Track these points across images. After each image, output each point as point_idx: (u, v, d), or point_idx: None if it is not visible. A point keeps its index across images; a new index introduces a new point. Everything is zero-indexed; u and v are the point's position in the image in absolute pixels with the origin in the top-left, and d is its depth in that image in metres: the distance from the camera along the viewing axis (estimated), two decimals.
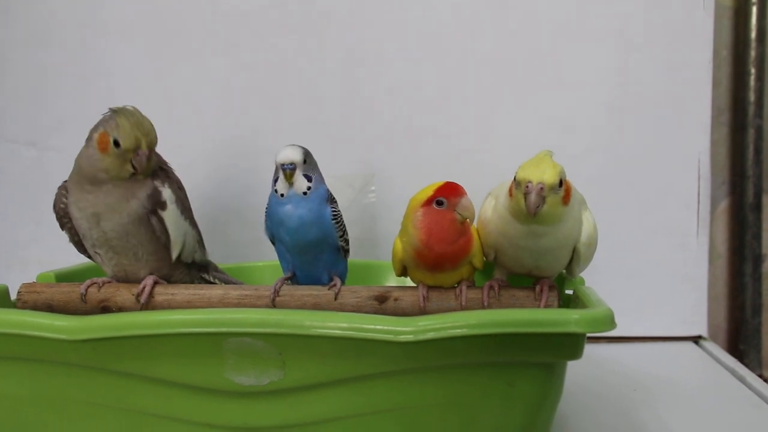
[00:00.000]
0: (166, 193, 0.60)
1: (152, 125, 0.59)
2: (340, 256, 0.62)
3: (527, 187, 0.53)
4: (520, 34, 0.86)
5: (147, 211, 0.59)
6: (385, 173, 0.86)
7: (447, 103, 0.87)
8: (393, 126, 0.87)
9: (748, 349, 0.92)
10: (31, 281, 0.63)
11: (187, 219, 0.62)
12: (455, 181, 0.56)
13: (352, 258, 0.69)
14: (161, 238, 0.60)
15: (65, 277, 0.66)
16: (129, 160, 0.57)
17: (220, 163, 0.87)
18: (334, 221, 0.60)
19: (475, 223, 0.60)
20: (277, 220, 0.59)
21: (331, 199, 0.61)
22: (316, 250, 0.60)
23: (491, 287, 0.58)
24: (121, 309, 0.59)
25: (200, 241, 0.65)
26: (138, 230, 0.59)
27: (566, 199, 0.55)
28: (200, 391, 0.51)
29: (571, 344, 0.49)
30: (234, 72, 0.87)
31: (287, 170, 0.58)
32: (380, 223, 0.85)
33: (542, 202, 0.53)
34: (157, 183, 0.59)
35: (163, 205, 0.59)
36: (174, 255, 0.61)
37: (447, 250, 0.56)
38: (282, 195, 0.59)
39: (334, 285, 0.59)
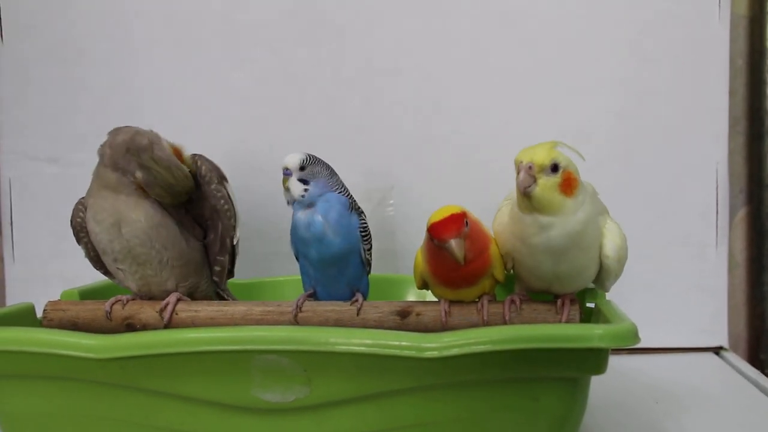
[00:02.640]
0: (206, 167, 0.63)
1: (149, 142, 0.59)
2: (364, 270, 0.63)
3: (519, 167, 0.53)
4: (536, 45, 0.86)
5: (214, 184, 0.61)
6: (403, 185, 0.86)
7: (463, 113, 0.87)
8: (410, 137, 0.87)
9: None
10: (56, 298, 0.64)
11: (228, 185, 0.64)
12: (459, 208, 0.55)
13: (372, 272, 0.70)
14: (218, 215, 0.62)
15: (89, 293, 0.67)
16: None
17: (239, 176, 0.87)
18: (361, 233, 0.61)
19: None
20: (296, 234, 0.60)
21: (357, 209, 0.62)
22: (341, 263, 0.60)
23: (512, 302, 0.58)
24: (145, 326, 0.59)
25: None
26: (160, 233, 0.59)
27: (566, 188, 0.54)
28: (227, 408, 0.51)
29: (595, 359, 0.50)
30: (252, 85, 0.88)
31: (285, 176, 0.60)
32: (399, 236, 0.85)
33: (532, 183, 0.53)
34: (193, 157, 0.63)
35: (223, 179, 0.63)
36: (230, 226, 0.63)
37: (452, 275, 0.56)
38: (288, 202, 0.61)
39: (356, 300, 0.60)
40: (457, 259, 0.53)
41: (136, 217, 0.58)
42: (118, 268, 0.61)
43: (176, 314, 0.59)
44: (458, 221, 0.54)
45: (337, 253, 0.60)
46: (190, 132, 0.87)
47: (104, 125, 0.62)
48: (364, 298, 0.61)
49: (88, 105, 0.88)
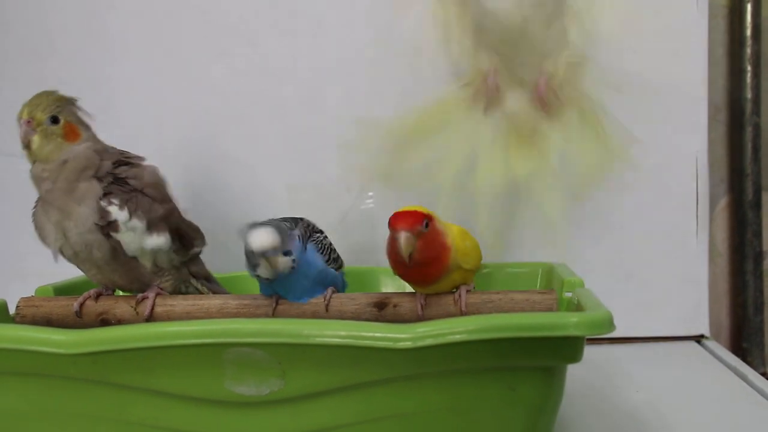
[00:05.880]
0: (116, 213, 0.57)
1: (46, 96, 0.58)
2: (330, 274, 0.61)
3: None
4: None
5: (102, 228, 0.57)
6: (383, 178, 0.86)
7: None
8: (390, 130, 0.86)
9: (750, 347, 0.91)
10: (30, 295, 0.64)
11: (154, 232, 0.59)
12: (426, 210, 0.55)
13: (353, 264, 0.69)
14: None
15: (64, 289, 0.66)
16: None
17: (218, 170, 0.87)
18: (321, 254, 0.59)
19: None
20: (268, 290, 0.59)
21: (309, 235, 0.59)
22: (310, 285, 0.59)
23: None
24: (120, 321, 0.59)
25: (181, 247, 0.63)
26: (100, 243, 0.57)
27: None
28: (201, 402, 0.51)
29: (570, 347, 0.49)
30: (230, 79, 0.87)
31: (270, 257, 0.54)
32: (379, 229, 0.85)
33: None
34: (104, 203, 0.57)
35: (114, 227, 0.57)
36: (147, 266, 0.60)
37: (405, 271, 0.56)
38: (268, 279, 0.56)
39: (326, 295, 0.59)
40: (401, 253, 0.53)
41: (72, 221, 0.57)
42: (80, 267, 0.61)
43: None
44: (417, 218, 0.54)
45: (305, 285, 0.58)
46: (167, 126, 0.87)
47: None
48: (339, 291, 0.61)
49: None
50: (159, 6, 0.87)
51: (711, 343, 0.85)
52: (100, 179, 0.58)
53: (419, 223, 0.53)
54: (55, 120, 0.58)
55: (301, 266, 0.57)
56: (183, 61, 0.87)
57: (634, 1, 0.85)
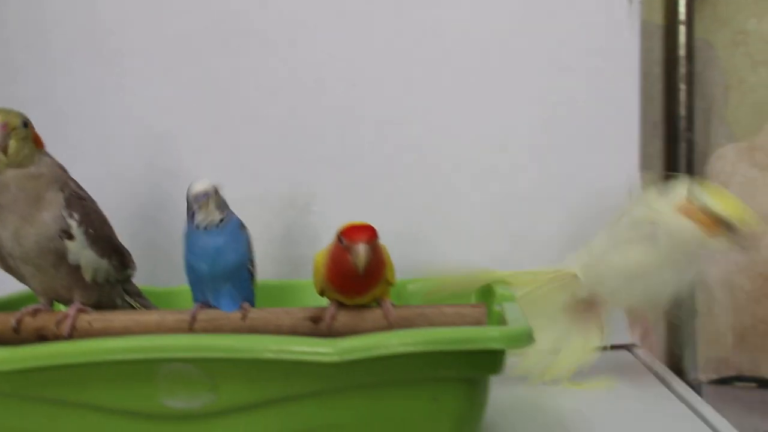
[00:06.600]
0: (73, 225, 0.60)
1: (14, 111, 0.60)
2: (251, 281, 0.64)
3: None
4: (453, 57, 0.88)
5: (58, 233, 0.60)
6: (326, 193, 0.88)
7: (386, 124, 0.88)
8: (333, 146, 0.88)
9: (683, 354, 0.95)
10: None
11: (97, 251, 0.62)
12: (368, 222, 0.57)
13: (294, 277, 0.71)
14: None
15: (4, 305, 0.67)
16: None
17: (162, 185, 0.88)
18: (248, 248, 0.63)
19: None
20: (197, 251, 0.61)
21: (242, 226, 0.64)
22: (233, 276, 0.62)
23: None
24: (57, 336, 0.60)
25: (119, 265, 0.66)
26: (54, 250, 0.60)
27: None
28: (135, 416, 0.52)
29: (492, 360, 0.52)
30: (173, 95, 0.88)
31: (202, 200, 0.60)
32: (321, 243, 0.86)
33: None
34: (65, 213, 0.60)
35: (69, 236, 0.60)
36: (87, 278, 0.62)
37: (348, 283, 0.58)
38: (198, 227, 0.61)
39: (244, 309, 0.62)
40: (358, 265, 0.55)
41: (31, 226, 0.59)
42: (21, 273, 0.63)
43: (89, 324, 0.60)
44: (372, 231, 0.57)
45: (229, 268, 0.61)
46: (113, 142, 0.88)
47: None
48: (252, 305, 0.64)
49: None
50: (103, 23, 0.88)
51: (641, 352, 0.87)
52: (62, 191, 0.61)
53: (376, 236, 0.56)
54: (25, 125, 0.60)
55: (231, 240, 0.61)
56: (127, 77, 0.88)
57: (572, 23, 0.88)
